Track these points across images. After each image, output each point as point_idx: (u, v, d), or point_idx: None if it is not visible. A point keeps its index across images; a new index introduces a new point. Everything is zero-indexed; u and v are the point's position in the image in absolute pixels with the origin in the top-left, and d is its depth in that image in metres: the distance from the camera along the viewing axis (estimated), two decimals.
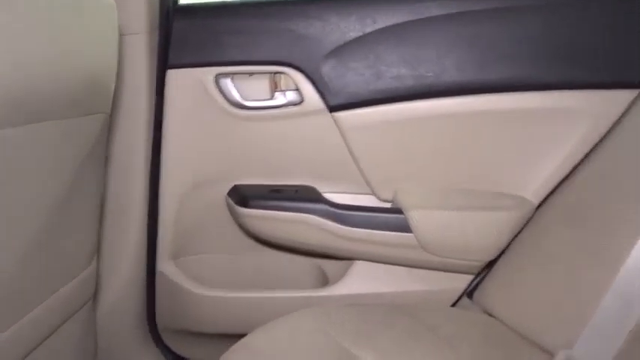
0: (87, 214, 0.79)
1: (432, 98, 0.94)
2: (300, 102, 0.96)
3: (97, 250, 0.88)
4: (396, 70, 0.94)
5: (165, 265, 1.03)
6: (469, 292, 1.01)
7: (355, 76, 0.94)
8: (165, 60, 0.96)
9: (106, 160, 0.88)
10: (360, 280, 1.00)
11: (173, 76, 0.96)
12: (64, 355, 0.80)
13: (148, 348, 1.07)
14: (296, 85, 0.96)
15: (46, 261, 0.69)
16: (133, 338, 1.03)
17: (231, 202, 1.00)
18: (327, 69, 0.94)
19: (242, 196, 0.99)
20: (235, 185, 1.01)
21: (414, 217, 0.94)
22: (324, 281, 1.06)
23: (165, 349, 1.10)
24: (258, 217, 0.98)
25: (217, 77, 0.96)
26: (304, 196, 0.99)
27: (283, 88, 0.97)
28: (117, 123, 0.91)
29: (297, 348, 0.73)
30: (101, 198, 0.87)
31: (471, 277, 1.00)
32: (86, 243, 0.81)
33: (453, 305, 1.02)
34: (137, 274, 0.99)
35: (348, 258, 1.02)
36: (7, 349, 0.64)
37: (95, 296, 0.92)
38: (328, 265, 1.06)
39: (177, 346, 1.11)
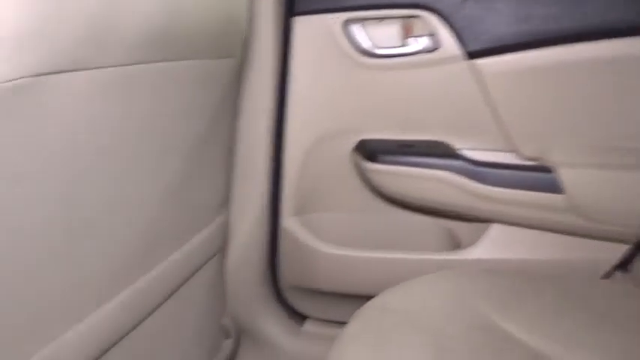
0: (217, 163, 0.79)
1: (591, 41, 0.82)
2: (435, 48, 0.88)
3: (227, 202, 0.88)
4: (548, 9, 0.83)
5: (289, 222, 1.01)
6: (623, 264, 0.90)
7: (499, 17, 0.85)
8: (291, 6, 0.92)
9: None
10: (497, 245, 0.92)
11: (299, 23, 0.92)
12: (197, 302, 0.82)
13: (270, 303, 1.07)
14: (431, 29, 0.88)
15: (180, 207, 0.69)
16: (256, 292, 1.03)
17: (358, 157, 0.95)
18: (467, 10, 0.85)
19: (370, 150, 0.94)
20: (362, 139, 0.96)
21: (567, 176, 0.84)
22: (454, 245, 0.99)
23: (286, 305, 1.10)
24: (387, 173, 0.93)
25: (346, 23, 0.90)
26: (438, 152, 0.92)
27: (417, 34, 0.90)
28: (244, 70, 0.89)
29: (432, 310, 0.68)
30: (230, 148, 0.86)
31: (626, 247, 0.88)
32: (216, 193, 0.81)
33: (604, 278, 0.91)
34: (261, 229, 0.98)
35: (484, 220, 0.94)
36: (146, 293, 0.65)
37: (224, 248, 0.93)
38: (459, 227, 0.98)
39: (298, 303, 1.10)
